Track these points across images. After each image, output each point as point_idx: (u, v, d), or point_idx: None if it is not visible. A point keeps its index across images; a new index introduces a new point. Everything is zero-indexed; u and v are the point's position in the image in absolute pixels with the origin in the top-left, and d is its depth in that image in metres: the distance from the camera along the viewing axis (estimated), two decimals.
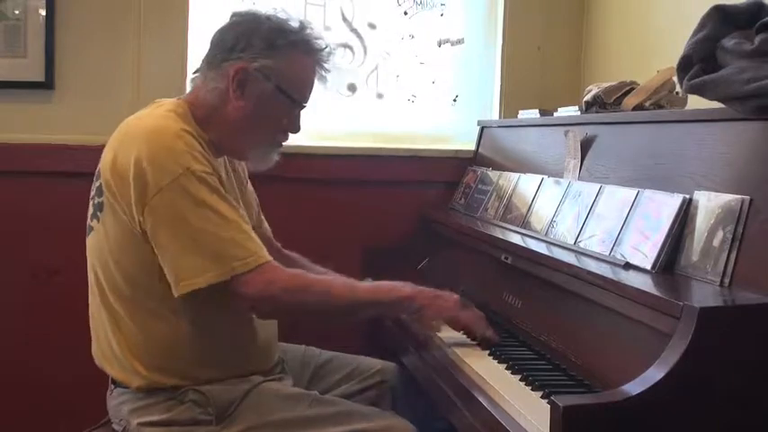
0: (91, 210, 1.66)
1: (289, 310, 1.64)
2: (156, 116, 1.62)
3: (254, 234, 1.59)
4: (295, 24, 1.67)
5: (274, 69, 1.63)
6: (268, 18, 1.66)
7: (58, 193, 2.37)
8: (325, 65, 1.70)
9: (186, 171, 1.51)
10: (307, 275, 1.65)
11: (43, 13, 2.35)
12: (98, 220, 1.62)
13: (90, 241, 1.67)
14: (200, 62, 1.71)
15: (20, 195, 2.36)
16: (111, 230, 1.59)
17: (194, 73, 1.72)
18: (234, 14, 1.70)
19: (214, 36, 1.69)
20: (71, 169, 2.34)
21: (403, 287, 1.68)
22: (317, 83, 1.72)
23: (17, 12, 2.34)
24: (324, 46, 1.70)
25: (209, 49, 1.69)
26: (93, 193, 1.66)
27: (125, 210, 1.55)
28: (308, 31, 1.68)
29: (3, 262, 2.36)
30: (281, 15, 1.68)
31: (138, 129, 1.59)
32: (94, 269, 1.65)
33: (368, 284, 1.68)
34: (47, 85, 2.37)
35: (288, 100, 1.67)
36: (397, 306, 1.70)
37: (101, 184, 1.61)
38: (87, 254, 1.68)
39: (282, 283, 1.56)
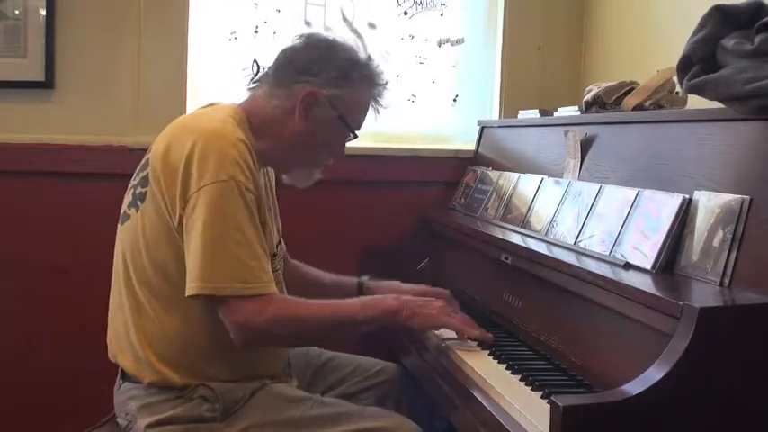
0: (130, 198, 1.68)
1: (277, 340, 1.66)
2: (216, 119, 1.64)
3: (267, 265, 1.59)
4: (363, 56, 1.72)
5: (341, 99, 1.68)
6: (343, 48, 1.70)
7: (57, 193, 2.37)
8: (380, 99, 1.76)
9: (231, 179, 1.53)
10: (295, 304, 1.62)
11: (43, 13, 2.35)
12: (137, 210, 1.64)
13: (123, 229, 1.68)
14: (262, 75, 1.73)
15: (20, 195, 2.36)
16: (150, 222, 1.61)
17: (254, 83, 1.75)
18: (308, 37, 1.73)
19: (280, 55, 1.72)
20: (71, 169, 2.35)
21: (386, 300, 1.70)
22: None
23: (17, 12, 2.34)
24: (386, 81, 1.75)
25: (276, 67, 1.72)
26: (135, 182, 1.68)
27: (167, 203, 1.57)
28: (375, 64, 1.74)
29: (2, 262, 2.36)
30: (351, 44, 1.72)
31: (198, 127, 1.62)
32: (123, 256, 1.66)
33: (354, 302, 1.68)
34: (47, 84, 2.37)
35: (346, 129, 1.73)
36: (384, 321, 1.70)
37: (147, 174, 1.63)
38: (117, 240, 1.70)
39: (271, 313, 1.56)
